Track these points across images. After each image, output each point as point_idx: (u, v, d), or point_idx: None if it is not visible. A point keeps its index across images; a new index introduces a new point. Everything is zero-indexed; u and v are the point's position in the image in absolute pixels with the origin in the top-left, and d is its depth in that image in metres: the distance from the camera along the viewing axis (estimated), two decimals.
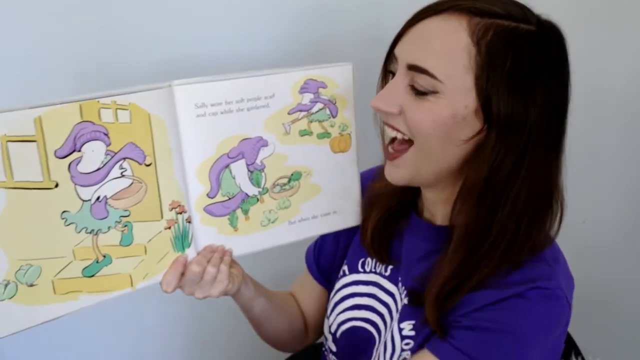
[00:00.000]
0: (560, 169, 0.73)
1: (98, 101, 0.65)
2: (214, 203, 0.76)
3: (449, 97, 0.68)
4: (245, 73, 0.76)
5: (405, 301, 0.78)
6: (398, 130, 0.73)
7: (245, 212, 0.78)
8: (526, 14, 0.70)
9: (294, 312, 0.92)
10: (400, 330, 0.77)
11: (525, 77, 0.67)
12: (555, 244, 0.76)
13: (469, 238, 0.71)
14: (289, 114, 0.79)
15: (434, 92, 0.69)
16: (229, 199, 0.77)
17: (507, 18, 0.68)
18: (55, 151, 0.63)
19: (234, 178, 0.77)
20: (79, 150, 0.65)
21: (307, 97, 0.80)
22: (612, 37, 1.25)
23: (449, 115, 0.68)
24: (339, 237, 0.90)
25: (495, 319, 0.69)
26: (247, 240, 0.79)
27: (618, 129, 1.32)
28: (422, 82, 0.69)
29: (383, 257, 0.83)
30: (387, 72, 0.76)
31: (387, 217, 0.83)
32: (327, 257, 0.92)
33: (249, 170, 0.77)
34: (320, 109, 0.81)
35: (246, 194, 0.78)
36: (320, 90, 0.80)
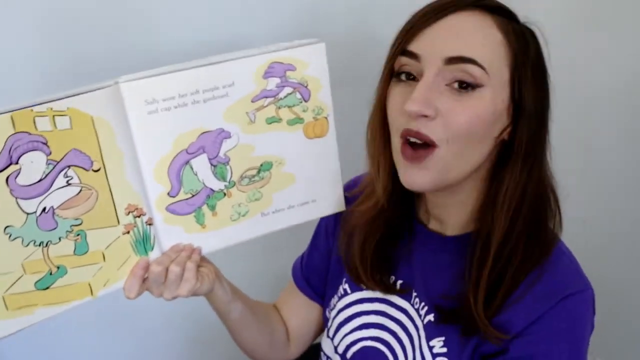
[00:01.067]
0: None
1: (32, 110, 0.60)
2: (177, 202, 0.71)
3: (492, 90, 0.67)
4: (200, 61, 0.69)
5: (431, 318, 0.73)
6: (425, 137, 0.65)
7: (212, 207, 0.73)
8: (516, 17, 0.71)
9: (275, 323, 0.88)
10: (431, 348, 0.73)
11: (543, 71, 0.70)
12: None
13: (499, 245, 0.68)
14: (252, 101, 0.72)
15: (479, 86, 0.66)
16: (193, 196, 0.72)
17: (514, 19, 0.70)
18: None
19: (195, 174, 0.71)
20: (16, 163, 0.61)
21: (273, 82, 0.72)
22: (612, 37, 1.18)
23: (491, 110, 0.67)
24: (329, 251, 0.85)
25: (539, 339, 0.68)
26: (218, 236, 0.74)
27: (618, 129, 1.27)
28: (470, 72, 0.65)
29: (389, 289, 0.77)
30: (395, 72, 0.68)
31: (383, 243, 0.76)
32: (318, 273, 0.87)
33: (212, 165, 0.72)
34: (289, 94, 0.73)
35: (211, 189, 0.73)
36: (288, 73, 0.72)
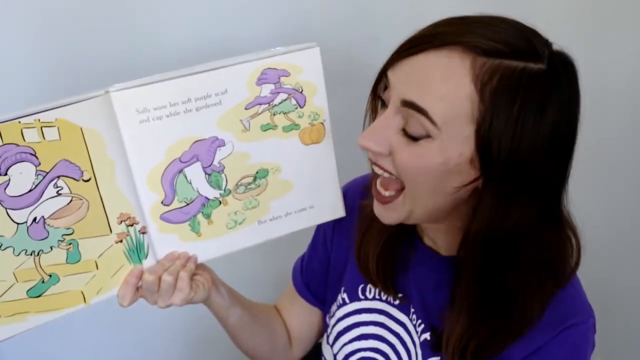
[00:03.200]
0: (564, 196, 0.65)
1: (19, 121, 0.59)
2: (171, 210, 0.69)
3: (443, 143, 0.59)
4: (192, 69, 0.66)
5: (427, 337, 0.70)
6: (386, 171, 0.62)
7: (207, 216, 0.71)
8: (535, 47, 0.58)
9: (276, 326, 0.85)
10: None
11: (534, 122, 0.57)
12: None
13: (478, 296, 0.63)
14: (246, 108, 0.69)
15: (426, 137, 0.60)
16: (187, 204, 0.70)
17: (515, 57, 0.57)
18: None
19: (190, 183, 0.69)
20: (5, 174, 0.60)
21: (267, 89, 0.69)
22: (611, 37, 1.12)
23: (440, 162, 0.60)
24: (327, 258, 0.82)
25: None
26: (214, 244, 0.72)
27: (618, 129, 1.21)
28: (416, 123, 0.59)
29: (388, 287, 0.74)
30: (376, 97, 0.64)
31: (389, 243, 0.73)
32: (318, 278, 0.83)
33: (206, 173, 0.69)
34: (284, 100, 0.70)
35: (206, 198, 0.70)
36: (282, 79, 0.69)
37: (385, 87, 0.62)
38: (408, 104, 0.59)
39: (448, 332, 0.65)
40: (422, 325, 0.71)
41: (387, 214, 0.66)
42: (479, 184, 0.61)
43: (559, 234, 0.65)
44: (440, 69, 0.58)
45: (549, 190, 0.62)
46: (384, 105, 0.63)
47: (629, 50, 1.16)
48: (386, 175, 0.64)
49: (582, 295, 0.68)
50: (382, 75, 0.62)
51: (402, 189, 0.63)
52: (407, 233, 0.73)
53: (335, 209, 0.77)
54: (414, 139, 0.60)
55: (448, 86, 0.58)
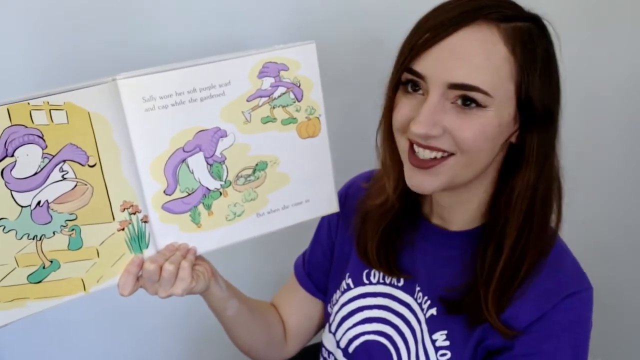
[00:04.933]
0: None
1: (28, 103, 0.59)
2: (173, 200, 0.69)
3: (497, 108, 0.65)
4: (197, 61, 0.67)
5: (433, 312, 0.71)
6: (440, 150, 0.65)
7: (208, 207, 0.71)
8: (522, 11, 0.68)
9: (272, 320, 0.85)
10: (434, 341, 0.71)
11: (552, 70, 0.67)
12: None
13: (514, 241, 0.67)
14: (248, 101, 0.70)
15: (482, 107, 0.64)
16: (189, 194, 0.70)
17: (520, 19, 0.66)
18: None
19: (192, 172, 0.69)
20: (12, 156, 0.59)
21: (267, 82, 0.71)
22: (612, 37, 1.17)
23: (497, 125, 0.66)
24: (331, 248, 0.83)
25: (543, 337, 0.67)
26: (213, 236, 0.72)
27: (619, 128, 1.25)
28: (473, 98, 0.64)
29: (392, 270, 0.76)
30: (401, 85, 0.67)
31: (388, 231, 0.75)
32: (321, 268, 0.85)
33: (208, 164, 0.70)
34: (283, 94, 0.72)
35: (207, 189, 0.71)
36: (282, 73, 0.71)
37: (407, 81, 0.66)
38: (457, 86, 0.63)
39: (471, 299, 0.67)
40: (429, 301, 0.72)
41: (430, 180, 0.67)
42: (513, 139, 0.68)
43: (550, 188, 0.70)
44: (476, 42, 0.63)
45: (554, 141, 0.69)
46: (416, 89, 0.66)
47: (630, 50, 1.19)
48: (435, 155, 0.65)
49: (580, 266, 0.71)
50: (403, 70, 0.65)
51: (450, 154, 0.65)
52: (408, 216, 0.75)
53: (329, 204, 0.78)
54: (469, 105, 0.64)
55: (487, 55, 0.63)
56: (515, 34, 0.64)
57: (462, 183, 0.68)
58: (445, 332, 0.70)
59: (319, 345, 0.85)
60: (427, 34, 0.64)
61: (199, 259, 0.72)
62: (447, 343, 0.70)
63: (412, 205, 0.76)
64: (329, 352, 0.82)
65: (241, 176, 0.72)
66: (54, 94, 0.60)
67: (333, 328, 0.80)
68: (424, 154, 0.66)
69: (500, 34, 0.64)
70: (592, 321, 0.70)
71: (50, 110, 0.60)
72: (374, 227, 0.75)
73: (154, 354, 1.17)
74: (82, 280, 0.65)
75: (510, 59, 0.64)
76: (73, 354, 1.12)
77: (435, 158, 0.66)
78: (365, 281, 0.79)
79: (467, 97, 0.63)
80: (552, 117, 0.68)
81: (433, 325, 0.71)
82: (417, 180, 0.68)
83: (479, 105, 0.64)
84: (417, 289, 0.74)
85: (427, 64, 0.63)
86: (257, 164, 0.73)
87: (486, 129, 0.64)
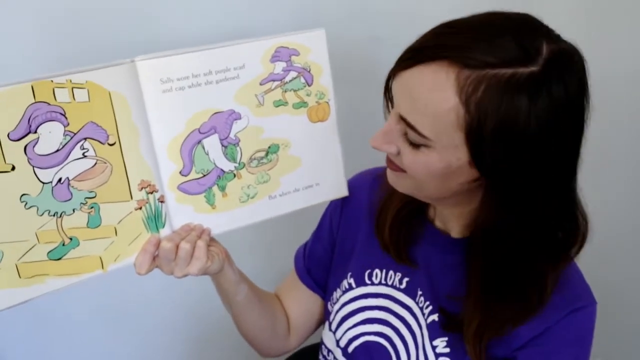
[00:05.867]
0: (574, 191, 0.68)
1: (52, 81, 0.60)
2: (188, 181, 0.70)
3: (440, 151, 0.62)
4: (212, 45, 0.69)
5: (435, 318, 0.71)
6: (397, 168, 0.67)
7: (222, 188, 0.72)
8: (529, 51, 0.58)
9: (277, 310, 0.85)
10: (434, 347, 0.71)
11: (524, 125, 0.58)
12: None
13: (491, 279, 0.66)
14: (260, 84, 0.72)
15: (425, 146, 0.62)
16: (204, 175, 0.71)
17: (503, 65, 0.57)
18: (9, 134, 0.59)
19: (207, 154, 0.71)
20: (35, 132, 0.60)
21: (280, 66, 0.73)
22: (612, 37, 1.17)
23: (442, 166, 0.63)
24: (333, 245, 0.83)
25: (547, 351, 0.67)
26: (226, 218, 0.73)
27: (618, 129, 1.25)
28: (412, 136, 0.63)
29: (401, 255, 0.75)
30: (388, 98, 0.67)
31: (402, 214, 0.75)
32: (321, 265, 0.84)
33: (222, 145, 0.71)
34: (294, 78, 0.74)
35: (222, 170, 0.72)
36: (293, 57, 0.73)
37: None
38: (401, 118, 0.63)
39: (468, 317, 0.67)
40: (430, 307, 0.72)
41: (398, 182, 0.69)
42: (482, 182, 0.63)
43: (568, 217, 0.67)
44: (426, 84, 0.59)
45: (552, 186, 0.63)
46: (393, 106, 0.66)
47: (630, 49, 1.19)
48: (397, 172, 0.66)
49: (586, 281, 0.71)
50: (389, 79, 0.65)
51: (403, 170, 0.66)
52: (416, 211, 0.75)
53: (339, 188, 0.80)
54: (416, 146, 0.63)
55: (433, 100, 0.59)
56: (477, 84, 0.57)
57: (431, 200, 0.69)
58: (446, 339, 0.70)
59: (315, 347, 0.84)
60: (405, 55, 0.62)
61: (212, 240, 0.73)
62: (447, 350, 0.70)
63: (419, 207, 0.75)
64: (329, 350, 0.82)
65: (254, 158, 0.74)
66: (77, 73, 0.61)
67: (333, 327, 0.80)
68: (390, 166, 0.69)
69: (455, 81, 0.58)
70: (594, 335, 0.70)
71: (72, 88, 0.61)
72: (392, 208, 0.75)
73: (155, 354, 1.16)
74: (101, 258, 0.66)
75: (459, 110, 0.58)
76: (75, 354, 1.10)
77: (397, 168, 0.67)
78: (367, 281, 0.78)
79: (409, 140, 0.63)
80: (518, 177, 0.60)
81: (434, 331, 0.71)
82: (390, 179, 0.70)
83: (419, 145, 0.62)
84: (419, 292, 0.74)
85: (394, 86, 0.64)
86: (269, 147, 0.74)
87: (430, 168, 0.63)
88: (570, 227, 0.68)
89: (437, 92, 0.59)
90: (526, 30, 0.60)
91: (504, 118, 0.57)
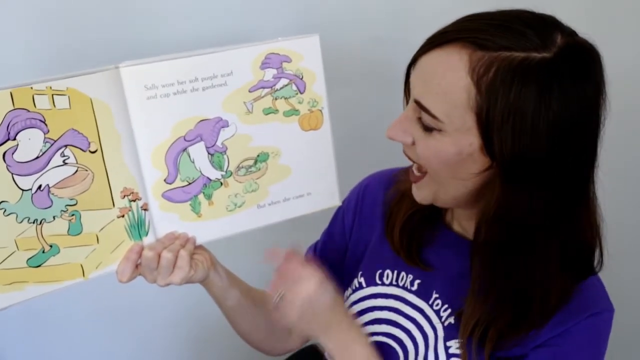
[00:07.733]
0: (592, 199, 0.65)
1: (31, 87, 0.59)
2: (173, 189, 0.69)
3: (453, 135, 0.61)
4: (200, 50, 0.67)
5: (451, 320, 0.69)
6: (412, 159, 0.67)
7: (208, 196, 0.71)
8: (544, 37, 0.58)
9: None
10: (447, 348, 0.69)
11: (534, 110, 0.57)
12: None
13: (492, 281, 0.65)
14: (250, 91, 0.70)
15: (438, 130, 0.62)
16: (189, 183, 0.69)
17: (516, 49, 0.58)
18: None
19: (193, 162, 0.69)
20: (14, 139, 0.59)
21: (270, 73, 0.70)
22: (612, 37, 1.12)
23: (453, 152, 0.62)
24: (346, 245, 0.82)
25: (560, 352, 0.66)
26: (213, 226, 0.71)
27: (619, 129, 1.18)
28: (426, 119, 0.63)
29: (413, 257, 0.73)
30: (408, 93, 0.66)
31: (413, 220, 0.74)
32: (330, 265, 0.80)
33: (209, 153, 0.69)
34: (285, 85, 0.71)
35: (208, 178, 0.70)
36: (284, 64, 0.71)
37: None
38: (417, 102, 0.62)
39: (466, 315, 0.65)
40: (449, 310, 0.70)
41: (418, 192, 0.69)
42: (493, 172, 0.61)
43: (581, 224, 0.64)
44: (438, 66, 0.60)
45: (563, 180, 0.61)
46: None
47: (630, 49, 1.17)
48: (419, 173, 0.67)
49: (605, 291, 0.70)
50: (409, 73, 0.65)
51: (425, 173, 0.66)
52: (431, 216, 0.73)
53: (331, 198, 0.77)
54: (429, 130, 0.62)
55: (444, 81, 0.60)
56: (488, 66, 0.57)
57: (449, 202, 0.67)
58: (461, 340, 0.68)
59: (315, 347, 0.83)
60: (426, 42, 0.62)
61: (199, 248, 0.71)
62: (460, 351, 0.68)
63: (434, 212, 0.73)
64: None
65: (242, 167, 0.72)
66: (57, 79, 0.60)
67: None
68: (414, 169, 0.68)
69: (467, 62, 0.58)
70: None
71: (52, 95, 0.60)
72: (403, 212, 0.74)
73: (154, 354, 1.16)
74: (82, 265, 0.65)
75: (470, 90, 0.58)
76: (73, 354, 1.11)
77: (419, 175, 0.68)
78: (378, 282, 0.76)
79: (422, 122, 0.62)
80: (527, 165, 0.59)
81: (451, 333, 0.69)
82: (413, 192, 0.70)
83: (432, 129, 0.62)
84: (435, 295, 0.72)
85: (413, 73, 0.63)
86: (258, 155, 0.72)
87: (440, 154, 0.62)
88: (578, 240, 0.64)
89: (450, 72, 0.60)
90: (544, 23, 0.60)
91: (513, 102, 0.57)
